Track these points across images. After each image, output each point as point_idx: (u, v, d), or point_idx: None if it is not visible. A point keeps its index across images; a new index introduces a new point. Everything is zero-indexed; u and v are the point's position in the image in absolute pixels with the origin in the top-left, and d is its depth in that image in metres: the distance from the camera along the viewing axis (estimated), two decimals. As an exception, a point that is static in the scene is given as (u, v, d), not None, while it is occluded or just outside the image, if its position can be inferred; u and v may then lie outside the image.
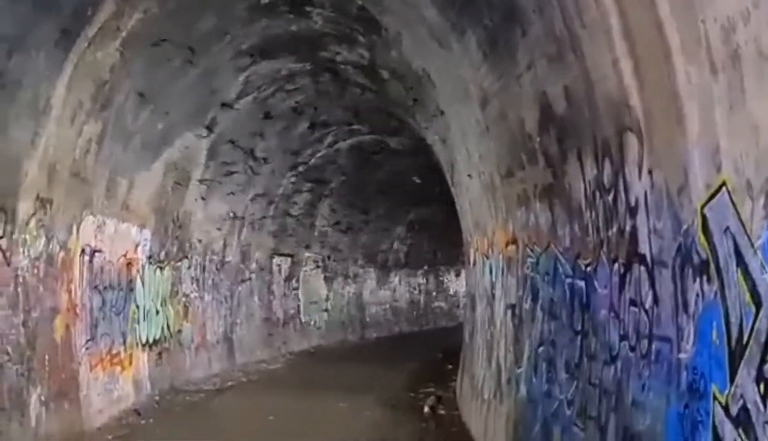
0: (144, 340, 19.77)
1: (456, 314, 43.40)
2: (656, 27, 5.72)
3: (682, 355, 5.84)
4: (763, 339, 4.65)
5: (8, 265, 12.59)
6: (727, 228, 4.96)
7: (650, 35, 5.90)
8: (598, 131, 7.75)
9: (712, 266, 5.19)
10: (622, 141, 7.05)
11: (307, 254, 34.18)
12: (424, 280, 45.32)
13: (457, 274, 45.71)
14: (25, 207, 13.02)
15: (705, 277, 5.34)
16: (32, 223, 13.37)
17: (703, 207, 5.29)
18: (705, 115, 5.16)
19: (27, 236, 13.22)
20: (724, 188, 4.94)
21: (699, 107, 5.26)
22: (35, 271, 13.60)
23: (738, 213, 4.79)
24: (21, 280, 13.07)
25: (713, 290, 5.21)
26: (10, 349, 12.59)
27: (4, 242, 12.39)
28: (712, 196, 5.12)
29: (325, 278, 36.16)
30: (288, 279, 32.69)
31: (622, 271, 7.32)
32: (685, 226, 5.69)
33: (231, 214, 25.86)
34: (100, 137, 15.34)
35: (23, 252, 13.14)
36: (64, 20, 12.49)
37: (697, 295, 5.52)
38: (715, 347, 5.19)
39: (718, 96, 4.93)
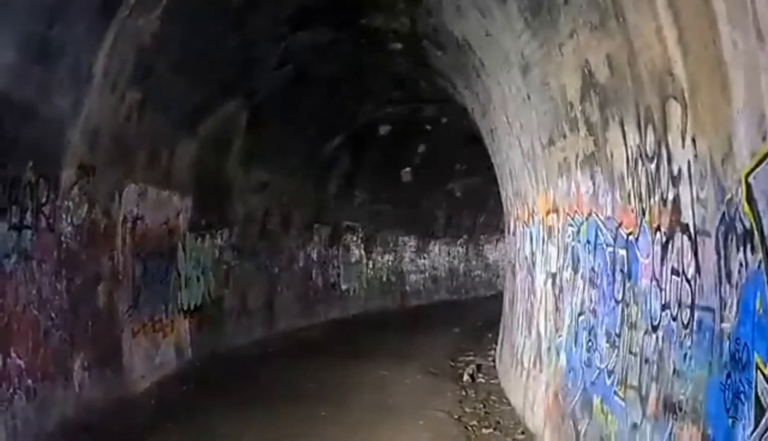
0: (185, 307, 19.87)
1: (495, 283, 43.39)
2: (701, -7, 5.68)
3: (725, 325, 5.82)
4: (808, 308, 4.64)
5: (52, 231, 12.69)
6: (772, 197, 4.93)
7: (695, 2, 5.84)
8: (641, 99, 7.71)
9: (756, 235, 5.15)
10: (665, 109, 7.00)
11: (346, 223, 34.25)
12: (464, 249, 45.27)
13: (497, 243, 45.65)
14: (67, 174, 13.10)
15: (749, 247, 5.30)
16: (75, 191, 13.46)
17: (747, 175, 5.24)
18: (751, 82, 5.12)
19: (70, 203, 13.31)
20: (769, 157, 4.91)
21: (745, 75, 5.22)
22: (78, 238, 13.70)
23: (784, 181, 4.76)
24: (64, 246, 13.18)
25: (757, 260, 5.18)
26: (54, 315, 12.71)
27: (47, 209, 12.48)
28: (758, 164, 5.08)
29: (365, 246, 36.22)
30: (328, 247, 32.76)
31: (664, 240, 7.30)
32: (728, 195, 5.65)
33: (271, 183, 25.92)
34: (141, 105, 15.38)
35: (66, 219, 13.23)
36: (105, -12, 12.56)
37: (741, 264, 5.49)
38: (759, 317, 5.17)
39: (764, 63, 4.88)
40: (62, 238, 13.11)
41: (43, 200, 12.35)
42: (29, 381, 11.69)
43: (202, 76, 17.67)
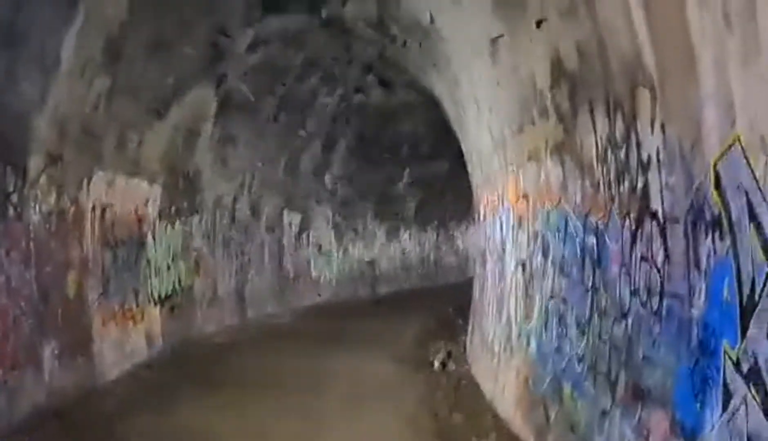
0: (156, 295, 19.82)
1: (466, 270, 43.46)
2: (670, -21, 5.69)
3: (694, 312, 5.86)
4: (775, 295, 4.67)
5: (20, 220, 12.62)
6: (740, 184, 4.95)
7: (664, -13, 5.87)
8: (611, 86, 7.73)
9: (725, 222, 5.19)
10: (634, 96, 7.03)
11: (317, 209, 34.21)
12: (434, 236, 45.32)
13: (467, 229, 45.72)
14: (35, 163, 13.04)
15: (717, 234, 5.34)
16: (43, 179, 13.39)
17: (716, 163, 5.27)
18: (719, 69, 5.14)
19: (38, 192, 13.24)
20: (737, 144, 4.93)
21: (713, 61, 5.24)
22: (47, 226, 13.63)
23: (752, 169, 4.78)
24: (33, 235, 13.11)
25: (725, 247, 5.21)
26: (23, 304, 12.65)
27: (14, 198, 12.41)
28: (726, 151, 5.10)
29: (336, 233, 36.20)
30: (298, 234, 32.74)
31: (633, 227, 7.33)
32: (697, 182, 5.68)
33: (241, 170, 25.87)
34: (110, 92, 15.29)
35: (35, 208, 13.16)
36: (73, -27, 12.47)
37: (709, 251, 5.52)
38: (727, 304, 5.20)
39: (732, 50, 4.90)
40: (30, 226, 13.04)
41: (11, 189, 12.29)
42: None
43: (172, 62, 17.59)
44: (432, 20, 15.58)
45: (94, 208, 15.81)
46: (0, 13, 11.06)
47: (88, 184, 15.40)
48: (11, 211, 12.35)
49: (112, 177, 16.61)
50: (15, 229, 12.49)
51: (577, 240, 9.56)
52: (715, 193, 5.33)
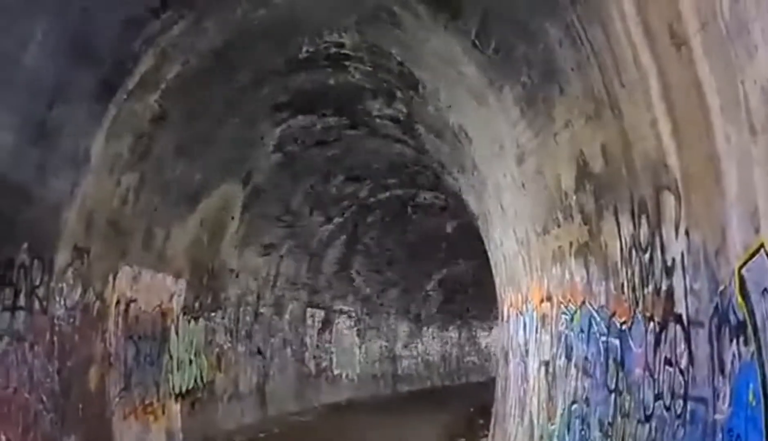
0: (177, 391, 19.74)
1: (488, 369, 43.26)
2: (695, 87, 5.73)
3: (718, 416, 5.81)
4: (800, 401, 4.64)
5: (45, 313, 12.65)
6: (765, 289, 4.93)
7: (689, 95, 5.91)
8: (635, 190, 7.75)
9: (749, 327, 5.16)
10: (659, 200, 7.05)
11: (340, 307, 34.17)
12: (457, 335, 45.19)
13: (490, 329, 45.55)
14: (62, 256, 13.11)
15: (742, 339, 5.31)
16: (69, 273, 13.45)
17: (740, 268, 5.26)
18: (743, 176, 5.16)
19: (64, 285, 13.29)
20: (762, 250, 4.93)
21: (737, 168, 5.26)
22: (71, 320, 13.66)
23: (776, 274, 4.78)
24: (57, 329, 13.13)
25: (750, 351, 5.18)
26: (44, 398, 12.63)
27: (41, 291, 12.46)
28: (750, 257, 5.10)
29: (358, 331, 36.11)
30: (321, 331, 32.66)
31: (657, 330, 7.29)
32: (722, 287, 5.67)
33: (265, 266, 25.92)
34: (137, 188, 15.44)
35: (60, 301, 13.20)
36: (104, 73, 12.61)
37: (734, 356, 5.49)
38: (752, 409, 5.16)
39: (757, 157, 4.92)
40: (55, 320, 13.07)
41: (37, 282, 12.34)
42: (19, 464, 11.60)
43: (200, 159, 17.73)
44: (460, 125, 15.72)
45: (118, 303, 15.85)
46: (33, 111, 11.21)
47: (114, 278, 15.47)
48: (37, 305, 12.39)
49: (138, 272, 16.69)
50: (40, 322, 12.52)
51: (601, 342, 9.51)
52: (739, 297, 5.31)
